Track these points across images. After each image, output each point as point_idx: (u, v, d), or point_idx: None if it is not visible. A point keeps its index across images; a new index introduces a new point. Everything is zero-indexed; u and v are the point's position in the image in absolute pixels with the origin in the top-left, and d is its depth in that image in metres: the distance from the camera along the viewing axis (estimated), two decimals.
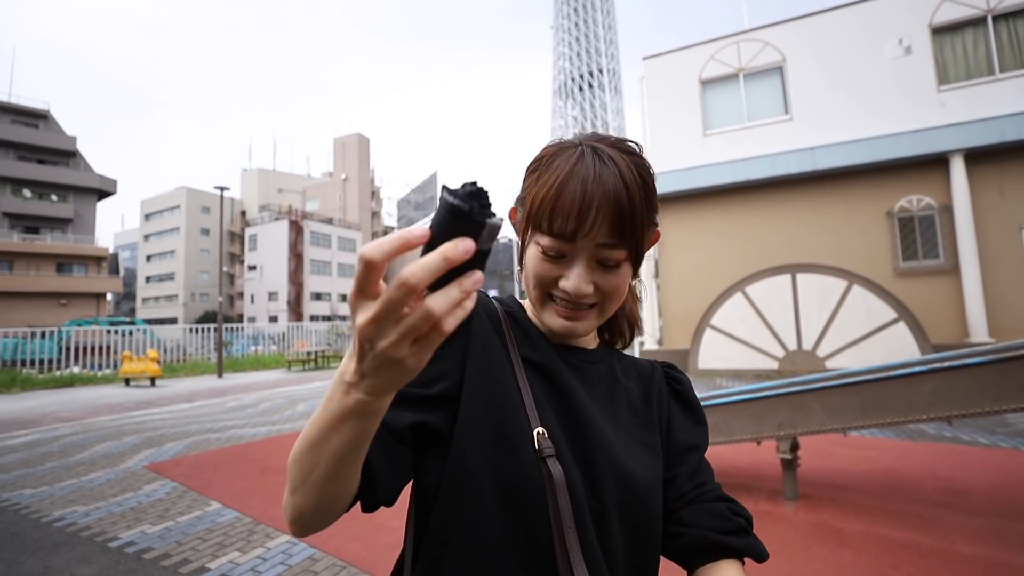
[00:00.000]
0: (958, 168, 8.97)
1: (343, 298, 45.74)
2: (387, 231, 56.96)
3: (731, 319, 9.55)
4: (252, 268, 43.36)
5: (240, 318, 43.96)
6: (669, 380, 0.66)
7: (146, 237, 52.86)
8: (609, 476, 0.53)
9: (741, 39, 10.90)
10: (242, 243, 48.48)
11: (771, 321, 9.30)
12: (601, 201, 0.49)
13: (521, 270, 0.59)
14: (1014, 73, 8.99)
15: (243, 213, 53.23)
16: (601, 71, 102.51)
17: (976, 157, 9.05)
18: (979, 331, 8.50)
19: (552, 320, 0.56)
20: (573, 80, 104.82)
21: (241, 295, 46.46)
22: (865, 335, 9.02)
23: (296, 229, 42.59)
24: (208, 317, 42.41)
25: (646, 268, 11.28)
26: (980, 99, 9.08)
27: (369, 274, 0.32)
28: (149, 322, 46.03)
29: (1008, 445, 4.51)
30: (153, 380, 12.98)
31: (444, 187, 0.34)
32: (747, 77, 10.82)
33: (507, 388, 0.52)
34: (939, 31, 9.51)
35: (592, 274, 0.53)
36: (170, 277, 49.95)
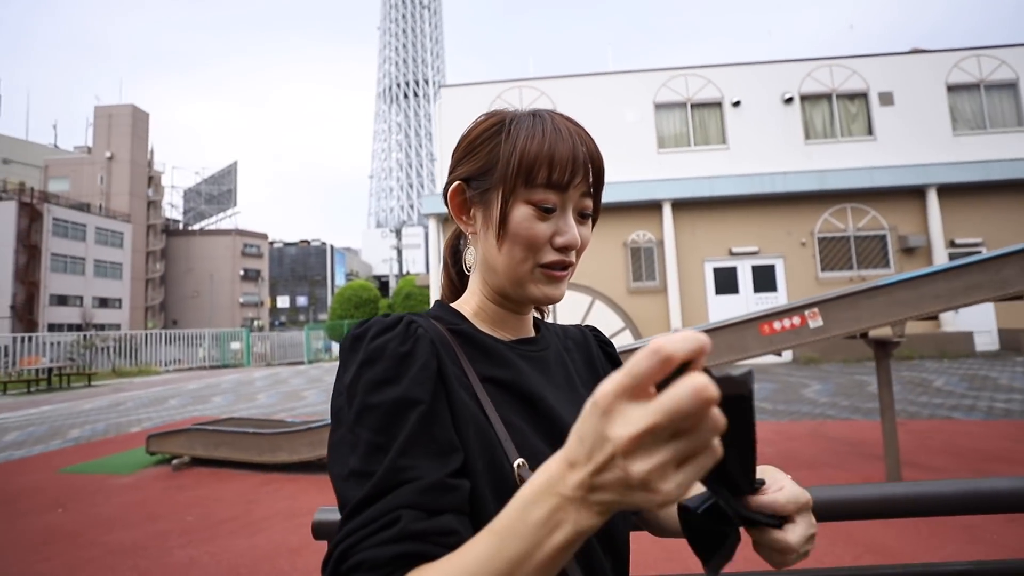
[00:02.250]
0: (667, 212, 11.88)
1: (101, 303, 37.34)
2: (168, 225, 48.41)
3: None
4: None
5: None
6: (601, 344, 0.70)
7: None
8: None
9: (523, 85, 12.63)
10: None
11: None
12: (586, 156, 0.53)
13: (500, 243, 0.54)
14: (703, 147, 12.31)
15: None
16: (427, 81, 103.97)
17: (680, 205, 12.10)
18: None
19: (544, 288, 0.55)
20: (399, 86, 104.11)
21: None
22: None
23: (30, 213, 33.44)
24: None
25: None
26: (683, 163, 12.19)
27: (659, 372, 0.26)
28: None
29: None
30: None
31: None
32: None
33: (478, 420, 0.49)
34: (659, 107, 12.49)
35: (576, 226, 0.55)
36: None
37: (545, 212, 0.53)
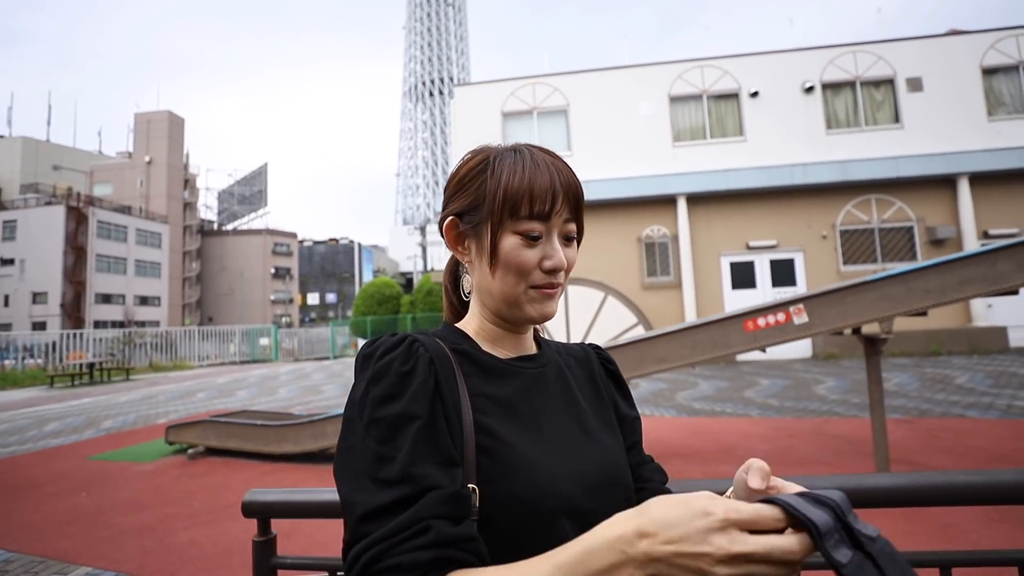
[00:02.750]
0: (682, 207, 11.72)
1: (142, 301, 39.19)
2: (204, 226, 50.33)
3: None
4: (8, 262, 34.72)
5: None
6: (603, 362, 0.73)
7: None
8: (600, 479, 0.58)
9: (536, 82, 12.64)
10: None
11: (548, 326, 11.01)
12: (563, 185, 0.58)
13: (493, 271, 0.59)
14: (719, 140, 12.08)
15: None
16: (452, 79, 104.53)
17: (695, 199, 11.92)
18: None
19: (538, 307, 0.60)
20: (424, 84, 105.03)
21: None
22: (617, 335, 11.23)
23: (77, 217, 35.32)
24: None
25: None
26: (699, 156, 11.99)
27: (771, 528, 0.36)
28: None
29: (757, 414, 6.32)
30: None
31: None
32: (540, 115, 12.59)
33: (457, 439, 0.53)
34: (675, 100, 12.30)
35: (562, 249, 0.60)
36: None
37: (532, 240, 0.58)
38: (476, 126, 12.48)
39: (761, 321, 3.52)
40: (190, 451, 5.19)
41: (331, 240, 71.97)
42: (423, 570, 0.43)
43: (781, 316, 3.50)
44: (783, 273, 11.58)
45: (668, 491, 0.66)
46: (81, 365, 15.34)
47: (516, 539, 0.51)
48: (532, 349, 0.66)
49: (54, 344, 18.74)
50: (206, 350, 22.84)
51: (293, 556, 1.12)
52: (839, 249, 11.49)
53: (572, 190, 0.60)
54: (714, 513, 0.36)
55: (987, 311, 11.01)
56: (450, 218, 0.62)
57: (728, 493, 0.50)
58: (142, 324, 34.86)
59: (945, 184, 11.36)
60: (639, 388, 8.45)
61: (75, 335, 19.24)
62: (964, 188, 11.13)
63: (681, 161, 12.01)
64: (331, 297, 65.89)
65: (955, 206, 11.28)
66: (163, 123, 43.12)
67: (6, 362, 17.57)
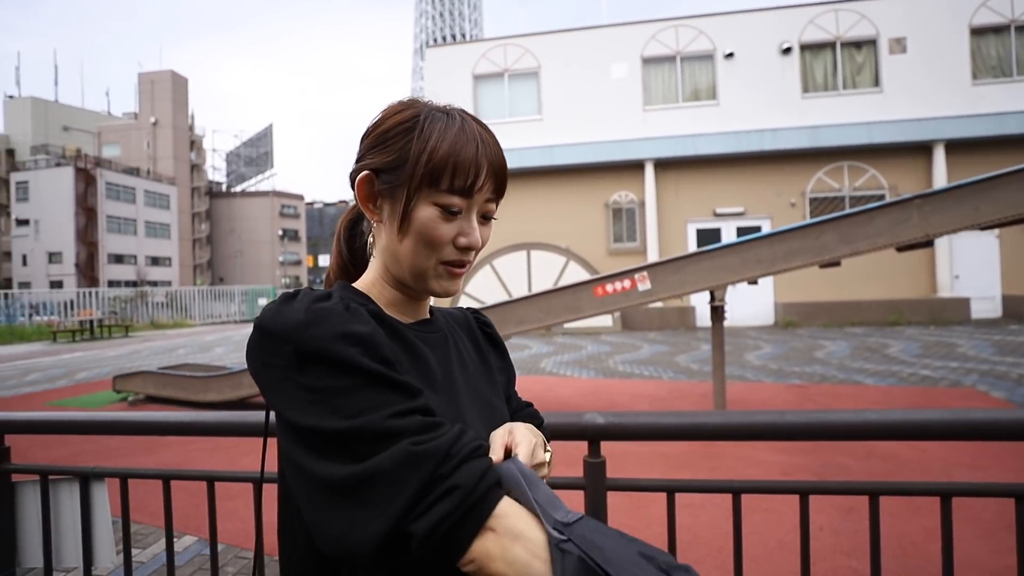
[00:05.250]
0: (650, 172, 11.68)
1: (152, 261, 40.33)
2: (212, 187, 50.95)
3: (482, 287, 11.32)
4: (23, 223, 35.85)
5: (8, 283, 36.31)
6: (482, 326, 0.73)
7: None
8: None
9: (508, 43, 12.43)
10: (8, 190, 39.51)
11: (511, 289, 11.27)
12: (490, 160, 0.55)
13: (401, 239, 0.56)
14: (691, 104, 11.86)
15: (9, 153, 43.09)
16: (464, 35, 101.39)
17: (663, 165, 11.85)
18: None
19: (445, 284, 0.58)
20: (435, 41, 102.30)
21: (9, 255, 38.22)
22: None
23: (86, 178, 36.04)
24: None
25: None
26: (670, 121, 11.83)
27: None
28: None
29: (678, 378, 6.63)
30: None
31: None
32: (511, 77, 12.45)
33: None
34: (647, 62, 12.04)
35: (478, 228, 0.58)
36: None
37: (450, 215, 0.54)
38: (447, 89, 12.41)
39: (609, 287, 3.75)
40: (131, 398, 5.69)
41: (340, 202, 72.29)
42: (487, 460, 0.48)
43: (627, 283, 3.72)
44: None
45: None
46: (82, 322, 16.18)
47: None
48: (427, 315, 0.65)
49: (72, 302, 19.83)
50: (217, 309, 23.85)
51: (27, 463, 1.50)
52: (808, 217, 11.41)
53: (498, 168, 0.57)
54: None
55: (953, 282, 10.96)
56: (364, 172, 0.57)
57: None
58: (154, 284, 36.03)
59: (921, 151, 11.10)
60: (582, 351, 8.75)
61: (90, 293, 20.20)
62: (940, 156, 10.87)
63: (651, 126, 11.87)
64: (324, 260, 66.82)
65: (929, 174, 11.06)
66: (166, 84, 43.09)
67: (42, 318, 18.49)
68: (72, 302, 20.21)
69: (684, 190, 11.82)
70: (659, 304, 11.52)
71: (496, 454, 0.51)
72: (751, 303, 11.49)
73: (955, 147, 10.86)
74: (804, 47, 11.49)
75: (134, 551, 2.57)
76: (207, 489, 1.37)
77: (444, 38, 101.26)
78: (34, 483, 1.53)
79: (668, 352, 8.26)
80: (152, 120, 42.62)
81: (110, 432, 1.51)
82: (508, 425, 0.57)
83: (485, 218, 0.59)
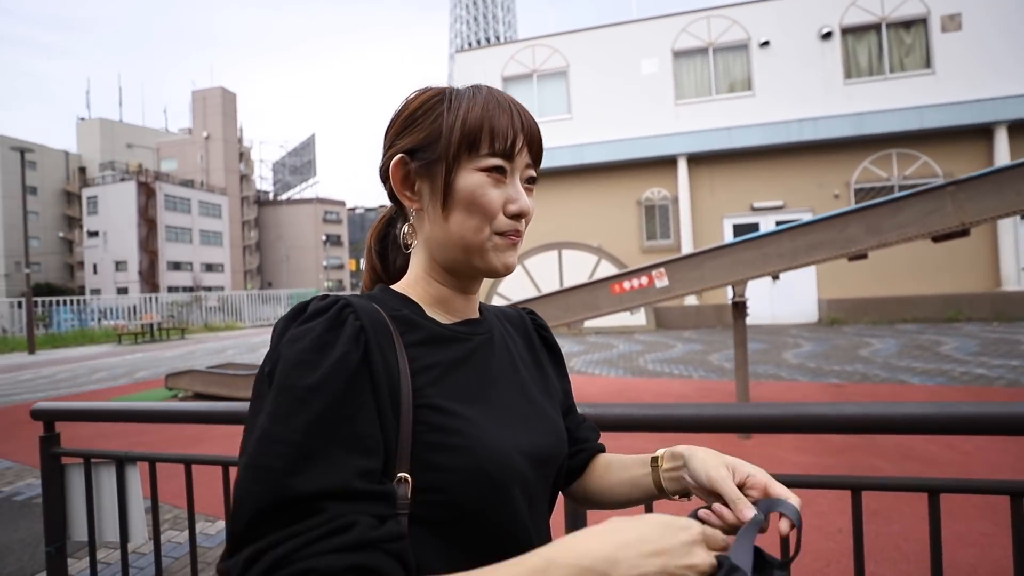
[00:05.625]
0: (683, 168, 11.43)
1: (207, 267, 42.69)
2: (260, 196, 53.41)
3: (513, 288, 11.38)
4: (93, 234, 38.73)
5: (82, 290, 39.32)
6: (538, 328, 0.69)
7: None
8: (545, 449, 0.55)
9: (536, 44, 12.46)
10: (80, 205, 42.80)
11: (543, 289, 11.27)
12: (525, 124, 0.53)
13: (447, 215, 0.53)
14: (725, 96, 11.53)
15: (82, 170, 46.68)
16: (499, 38, 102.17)
17: (697, 159, 11.57)
18: (691, 297, 11.15)
19: (504, 257, 0.54)
20: (470, 45, 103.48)
21: (82, 264, 41.39)
22: None
23: (146, 191, 38.59)
24: (41, 290, 37.42)
25: None
26: (702, 114, 11.54)
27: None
28: None
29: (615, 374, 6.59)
30: None
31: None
32: (540, 78, 12.47)
33: (388, 422, 0.46)
34: (679, 55, 11.79)
35: None
36: None
37: (498, 175, 0.52)
38: None
39: (627, 285, 3.73)
40: (180, 395, 6.09)
41: (381, 207, 73.37)
42: None
43: (644, 280, 3.69)
44: None
45: (603, 448, 0.69)
46: (143, 325, 17.35)
47: (472, 512, 0.47)
48: (476, 313, 0.61)
49: (135, 308, 21.59)
50: (265, 312, 25.16)
51: (73, 448, 1.67)
52: None
53: (534, 134, 0.54)
54: (692, 528, 0.39)
55: (1019, 275, 10.17)
56: (398, 156, 0.54)
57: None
58: (208, 289, 38.15)
59: (979, 135, 10.36)
60: (613, 350, 8.68)
61: (151, 299, 21.80)
62: (1002, 139, 10.11)
63: (683, 120, 11.62)
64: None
65: (990, 159, 10.30)
66: (217, 99, 45.54)
67: (113, 322, 20.06)
68: (136, 307, 21.94)
69: (719, 185, 11.50)
70: (695, 301, 11.26)
71: (747, 508, 0.46)
72: (792, 299, 11.05)
73: (1020, 128, 10.07)
74: (846, 31, 10.95)
75: (173, 532, 2.78)
76: (222, 473, 1.49)
77: (478, 42, 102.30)
78: (79, 465, 1.70)
79: (701, 351, 8.07)
80: (204, 134, 45.15)
81: (140, 420, 1.68)
82: (712, 455, 0.52)
83: (529, 182, 0.56)
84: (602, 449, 0.69)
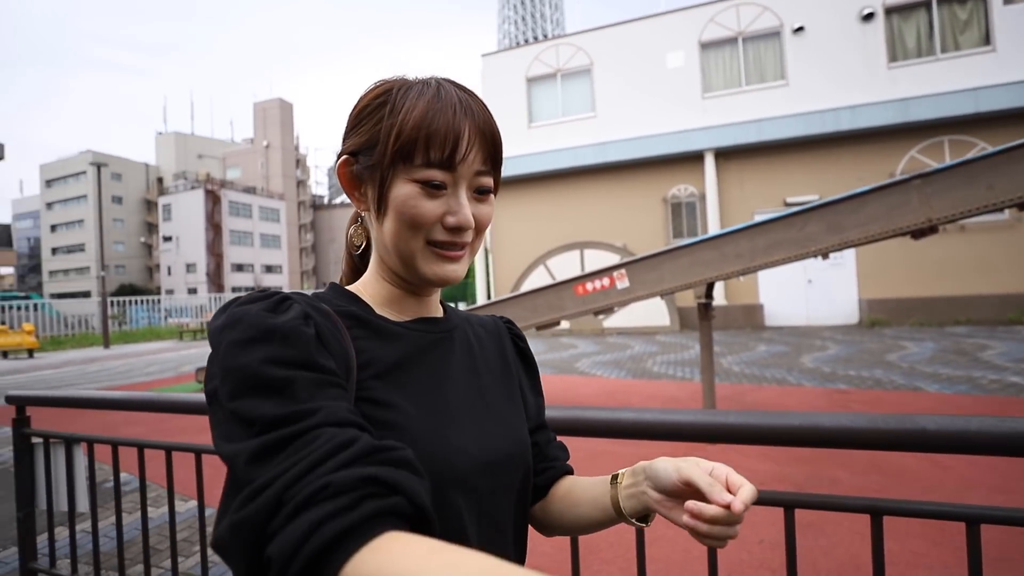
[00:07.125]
0: (710, 163, 11.04)
1: (267, 269, 45.48)
2: (315, 200, 56.18)
3: (535, 287, 11.43)
4: (168, 239, 42.25)
5: (159, 291, 43.02)
6: (515, 338, 0.67)
7: (48, 205, 49.81)
8: (500, 456, 0.53)
9: (560, 43, 12.42)
10: (157, 212, 46.79)
11: None
12: (472, 127, 0.49)
13: (381, 221, 0.51)
14: (756, 86, 11.03)
15: (160, 180, 51.00)
16: (547, 36, 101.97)
17: (725, 154, 11.14)
18: (718, 295, 10.75)
19: (435, 268, 0.51)
20: (518, 45, 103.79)
21: (159, 267, 45.23)
22: None
23: (213, 198, 41.63)
24: (124, 290, 41.30)
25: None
26: (732, 106, 11.09)
27: None
28: (59, 296, 44.19)
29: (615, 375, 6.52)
30: (31, 352, 13.65)
31: None
32: (564, 77, 12.42)
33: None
34: (706, 46, 11.39)
35: (471, 205, 0.51)
36: (80, 248, 47.66)
37: (433, 189, 0.49)
38: (502, 95, 12.71)
39: (589, 286, 3.74)
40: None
41: None
42: (356, 491, 0.34)
43: (606, 281, 3.68)
44: None
45: (571, 471, 0.66)
46: (204, 323, 18.80)
47: None
48: (434, 313, 0.59)
49: (202, 307, 23.67)
50: None
51: (39, 428, 1.95)
52: None
53: (487, 135, 0.51)
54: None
55: None
56: (344, 157, 0.53)
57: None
58: (265, 291, 40.69)
59: None
60: (628, 351, 8.55)
61: (217, 299, 23.72)
62: None
63: (711, 114, 11.21)
64: None
65: None
66: (275, 110, 48.37)
67: (183, 321, 22.05)
68: (203, 306, 23.99)
69: (749, 180, 11.01)
70: (723, 302, 10.86)
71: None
72: (830, 300, 10.42)
73: None
74: (890, 10, 10.17)
75: (152, 508, 3.07)
76: (195, 461, 1.58)
77: (527, 40, 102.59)
78: (39, 444, 1.96)
79: (717, 353, 7.79)
80: (264, 144, 48.09)
81: (99, 407, 1.89)
82: (698, 463, 0.51)
83: (481, 193, 0.52)
84: (570, 471, 0.66)
